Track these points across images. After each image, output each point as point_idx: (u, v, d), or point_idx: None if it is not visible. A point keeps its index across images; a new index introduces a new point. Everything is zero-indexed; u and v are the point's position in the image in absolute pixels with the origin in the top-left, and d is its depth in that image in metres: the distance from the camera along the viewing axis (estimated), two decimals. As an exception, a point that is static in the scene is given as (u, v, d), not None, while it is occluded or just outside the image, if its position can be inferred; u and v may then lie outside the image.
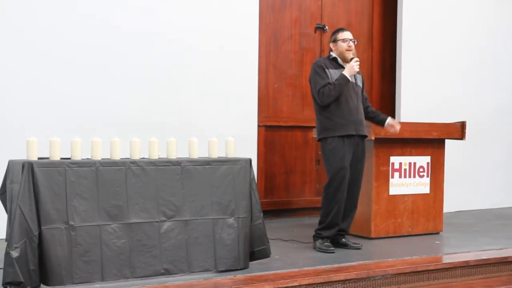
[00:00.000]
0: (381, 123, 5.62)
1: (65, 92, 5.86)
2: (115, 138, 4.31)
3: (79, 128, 5.35)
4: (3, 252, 3.83)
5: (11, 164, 4.26)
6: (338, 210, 5.32)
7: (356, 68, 5.25)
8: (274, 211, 7.02)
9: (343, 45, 5.37)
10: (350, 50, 5.36)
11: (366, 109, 5.58)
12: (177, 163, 4.39)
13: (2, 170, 4.47)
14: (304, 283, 4.28)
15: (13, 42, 5.68)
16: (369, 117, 5.64)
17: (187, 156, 4.55)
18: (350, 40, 5.37)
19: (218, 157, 4.63)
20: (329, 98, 5.25)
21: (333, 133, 5.31)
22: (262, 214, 4.68)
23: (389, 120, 5.59)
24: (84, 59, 5.94)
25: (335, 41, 5.43)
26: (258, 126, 6.99)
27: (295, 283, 4.25)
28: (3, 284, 3.77)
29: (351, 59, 5.29)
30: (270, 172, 7.21)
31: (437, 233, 6.28)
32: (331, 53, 5.46)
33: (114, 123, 5.85)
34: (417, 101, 7.83)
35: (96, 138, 4.24)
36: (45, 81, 5.79)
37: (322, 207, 5.41)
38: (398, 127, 5.58)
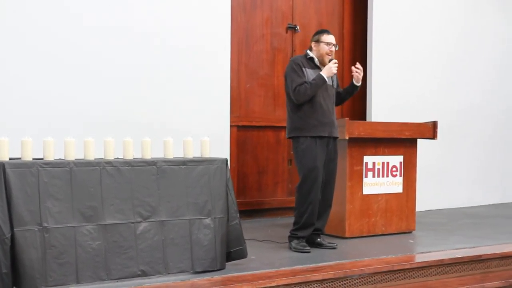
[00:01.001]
0: (351, 88, 5.59)
1: (35, 90, 5.70)
2: (89, 138, 4.22)
3: (50, 128, 5.24)
4: (-26, 255, 3.72)
5: (-19, 165, 4.13)
6: (313, 210, 5.31)
7: (334, 70, 5.25)
8: (246, 211, 6.97)
9: (325, 48, 5.35)
10: (330, 55, 5.35)
11: (340, 94, 5.59)
12: (152, 163, 4.32)
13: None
14: (282, 283, 4.26)
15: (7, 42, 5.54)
16: (343, 97, 5.64)
17: (162, 156, 4.48)
18: (333, 45, 5.37)
19: (193, 157, 4.57)
20: (304, 97, 5.23)
21: (305, 133, 5.30)
22: (238, 215, 4.65)
23: (354, 80, 5.52)
24: (56, 57, 5.80)
25: (317, 41, 5.40)
26: (230, 126, 6.94)
27: (273, 284, 4.22)
28: (-26, 288, 3.67)
29: (330, 60, 5.29)
30: (242, 172, 7.17)
31: (410, 232, 6.31)
32: (308, 51, 5.44)
33: (86, 122, 5.74)
34: (387, 101, 7.87)
35: (69, 138, 4.15)
36: (16, 78, 5.64)
37: (296, 207, 5.39)
38: (358, 69, 5.49)
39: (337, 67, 5.29)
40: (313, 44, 5.44)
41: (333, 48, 5.37)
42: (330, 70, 5.24)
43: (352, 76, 5.52)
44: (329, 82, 5.33)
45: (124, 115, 6.06)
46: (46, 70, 5.77)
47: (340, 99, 5.65)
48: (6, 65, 5.61)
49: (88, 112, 5.90)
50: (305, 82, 5.23)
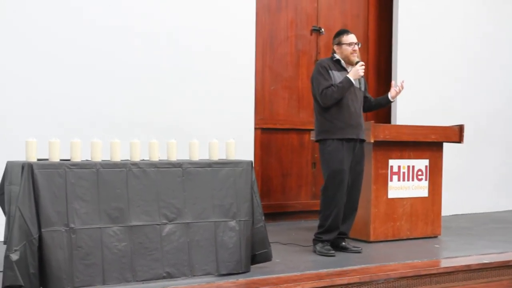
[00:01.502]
0: (385, 101, 5.61)
1: (62, 93, 5.78)
2: (115, 140, 4.24)
3: (77, 130, 5.28)
4: (2, 255, 3.74)
5: (9, 166, 4.17)
6: (338, 214, 5.27)
7: (361, 72, 5.21)
8: (270, 214, 6.95)
9: (348, 49, 5.32)
10: (355, 54, 5.32)
11: (370, 102, 5.57)
12: (178, 165, 4.32)
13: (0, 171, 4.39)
14: (307, 287, 4.23)
15: (9, 43, 5.60)
16: (373, 106, 5.63)
17: (187, 158, 4.49)
18: (355, 44, 5.33)
19: (219, 159, 4.57)
20: (331, 100, 5.20)
21: (332, 135, 5.27)
22: (263, 217, 4.63)
23: (390, 94, 5.54)
24: (84, 60, 5.89)
25: (339, 44, 5.37)
26: (255, 128, 6.93)
27: (298, 287, 4.20)
28: (2, 288, 3.69)
29: (357, 62, 5.25)
30: (267, 175, 7.16)
31: (435, 237, 6.25)
32: (334, 54, 5.41)
33: (112, 125, 5.81)
34: (412, 104, 7.81)
35: (96, 139, 4.17)
36: (43, 82, 5.72)
37: (320, 210, 5.36)
38: (400, 87, 5.51)
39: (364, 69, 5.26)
40: (335, 48, 5.40)
41: (356, 47, 5.33)
42: (357, 72, 5.21)
43: (389, 90, 5.53)
44: (356, 84, 5.30)
45: (150, 118, 6.11)
46: (73, 75, 5.86)
47: (369, 106, 5.62)
48: (33, 70, 5.68)
49: (114, 115, 5.95)
50: (332, 85, 5.20)
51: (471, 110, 8.28)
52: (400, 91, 5.52)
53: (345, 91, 5.19)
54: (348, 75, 5.20)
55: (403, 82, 5.55)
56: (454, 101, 8.19)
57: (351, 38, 5.34)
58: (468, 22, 8.43)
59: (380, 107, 5.74)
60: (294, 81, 7.40)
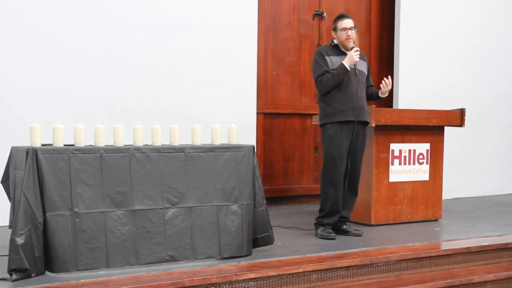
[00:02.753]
0: (376, 97, 5.61)
1: (65, 79, 5.83)
2: (118, 125, 4.28)
3: (80, 116, 5.33)
4: (7, 239, 3.81)
5: (14, 151, 4.23)
6: (337, 197, 5.32)
7: (356, 58, 5.22)
8: (272, 198, 7.01)
9: (343, 35, 5.35)
10: (350, 39, 5.34)
11: (367, 90, 5.56)
12: (180, 149, 4.37)
13: (4, 157, 4.44)
14: (308, 270, 4.29)
15: (14, 30, 5.63)
16: (368, 95, 5.59)
17: (189, 143, 4.53)
18: (349, 29, 5.33)
19: (221, 144, 4.61)
20: (326, 87, 5.25)
21: (332, 119, 5.31)
22: (265, 201, 4.68)
23: (381, 90, 5.52)
24: (84, 47, 5.91)
25: (335, 29, 5.41)
26: (257, 113, 6.97)
27: (299, 270, 4.26)
28: (8, 271, 3.75)
29: (351, 48, 5.27)
30: (269, 160, 7.20)
31: (436, 220, 6.30)
32: (333, 40, 5.44)
33: (115, 111, 5.85)
34: (414, 88, 7.84)
35: (99, 124, 4.22)
36: (46, 68, 5.76)
37: (320, 194, 5.42)
38: (387, 82, 5.47)
39: (365, 54, 5.26)
40: (333, 33, 5.44)
41: (349, 32, 5.33)
42: (351, 58, 5.23)
43: (380, 87, 5.52)
44: (360, 68, 5.33)
45: (152, 104, 6.15)
46: (75, 61, 5.90)
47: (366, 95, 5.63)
48: (37, 57, 5.72)
49: (117, 101, 6.00)
50: (327, 71, 5.24)
51: (473, 95, 8.29)
52: (386, 86, 5.49)
53: (340, 77, 5.22)
54: (343, 62, 5.23)
55: (388, 78, 5.50)
56: (456, 86, 8.20)
57: (345, 23, 5.35)
58: (472, 7, 8.41)
59: (373, 99, 5.71)
60: (296, 66, 7.43)
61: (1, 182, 4.48)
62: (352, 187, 5.49)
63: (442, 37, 8.14)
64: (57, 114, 5.37)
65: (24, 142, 4.32)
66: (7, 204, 4.44)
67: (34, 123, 4.05)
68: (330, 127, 5.31)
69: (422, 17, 7.99)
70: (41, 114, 5.25)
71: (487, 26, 8.57)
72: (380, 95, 5.56)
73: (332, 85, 5.24)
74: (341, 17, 5.44)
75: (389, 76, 5.55)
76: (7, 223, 4.43)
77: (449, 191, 7.30)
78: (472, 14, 8.42)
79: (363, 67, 5.45)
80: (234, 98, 6.68)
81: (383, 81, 5.47)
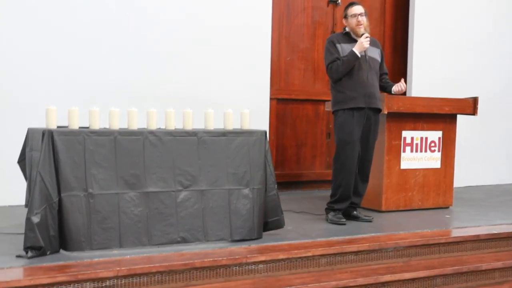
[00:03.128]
0: (389, 89, 5.62)
1: (80, 64, 5.92)
2: (132, 108, 4.34)
3: (94, 101, 5.39)
4: (23, 217, 3.90)
5: (30, 132, 4.31)
6: (348, 183, 5.36)
7: (366, 45, 5.23)
8: (284, 183, 7.06)
9: (353, 21, 5.37)
10: (360, 25, 5.35)
11: (381, 79, 5.59)
12: (193, 133, 4.43)
13: (21, 138, 4.53)
14: (317, 254, 4.35)
15: (28, 19, 5.72)
16: (381, 86, 5.63)
17: (202, 127, 4.59)
18: (359, 15, 5.35)
19: (233, 128, 4.66)
20: (337, 74, 5.28)
21: (343, 105, 5.34)
22: (276, 186, 4.73)
23: (394, 88, 5.55)
24: (99, 35, 6.00)
25: (345, 16, 5.44)
26: (270, 99, 7.01)
27: (309, 254, 4.32)
28: (24, 249, 3.85)
29: (362, 34, 5.29)
30: (281, 145, 7.25)
31: (447, 208, 6.33)
32: (345, 28, 5.47)
33: (127, 95, 5.93)
34: (428, 76, 7.84)
35: (114, 108, 4.28)
36: (64, 55, 5.85)
37: (332, 180, 5.47)
38: (403, 87, 5.50)
39: (379, 41, 5.27)
40: (344, 21, 5.47)
41: (359, 18, 5.35)
42: (361, 45, 5.25)
43: (393, 91, 5.54)
44: (371, 54, 5.35)
45: (166, 89, 6.21)
46: (90, 47, 5.98)
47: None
48: (52, 42, 5.80)
49: (131, 87, 6.09)
50: (338, 58, 5.27)
51: (485, 83, 8.26)
52: (401, 89, 5.52)
53: (351, 64, 5.24)
54: (353, 49, 5.25)
55: (403, 82, 5.52)
56: (468, 74, 8.18)
57: (355, 9, 5.37)
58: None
59: (383, 90, 5.73)
60: (310, 52, 7.45)
61: (18, 162, 4.57)
62: (363, 174, 5.52)
63: (455, 25, 8.12)
64: (72, 99, 5.46)
65: (40, 124, 4.40)
66: (23, 184, 4.53)
67: (50, 106, 4.13)
68: (342, 114, 5.35)
69: (436, 5, 7.97)
70: (57, 99, 5.32)
71: (501, 13, 8.52)
72: (392, 92, 5.58)
73: (343, 72, 5.27)
74: (352, 4, 5.46)
75: (403, 80, 5.56)
76: (23, 202, 4.52)
77: (461, 180, 7.33)
78: (486, 1, 8.38)
79: (375, 54, 5.47)
80: (247, 84, 6.73)
81: (400, 84, 5.48)
